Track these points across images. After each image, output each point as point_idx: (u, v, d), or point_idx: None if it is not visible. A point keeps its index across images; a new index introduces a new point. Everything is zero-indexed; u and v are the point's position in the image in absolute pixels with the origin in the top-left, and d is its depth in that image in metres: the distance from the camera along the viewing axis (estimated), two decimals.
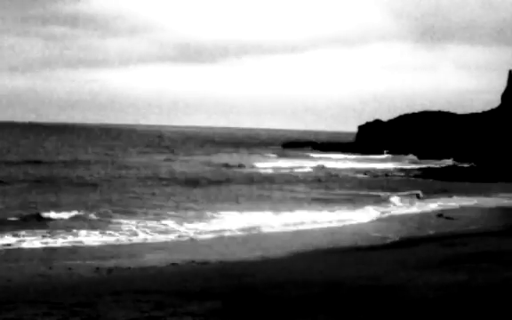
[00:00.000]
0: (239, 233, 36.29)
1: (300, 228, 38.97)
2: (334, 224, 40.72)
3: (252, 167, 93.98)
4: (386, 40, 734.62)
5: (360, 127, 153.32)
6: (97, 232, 34.40)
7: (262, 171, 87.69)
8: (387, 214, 45.87)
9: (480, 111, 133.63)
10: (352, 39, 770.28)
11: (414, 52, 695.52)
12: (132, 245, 32.23)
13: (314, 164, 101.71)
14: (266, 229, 37.86)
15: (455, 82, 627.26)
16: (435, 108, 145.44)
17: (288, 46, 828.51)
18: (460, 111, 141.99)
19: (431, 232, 36.98)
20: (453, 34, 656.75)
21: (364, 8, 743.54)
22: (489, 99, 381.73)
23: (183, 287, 20.08)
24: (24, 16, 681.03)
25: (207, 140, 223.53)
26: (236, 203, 49.39)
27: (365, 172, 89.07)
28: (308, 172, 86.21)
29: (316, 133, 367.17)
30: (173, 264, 26.50)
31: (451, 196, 56.50)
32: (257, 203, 49.81)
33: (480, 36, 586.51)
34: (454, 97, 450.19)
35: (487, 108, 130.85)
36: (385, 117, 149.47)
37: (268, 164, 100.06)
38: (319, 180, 74.04)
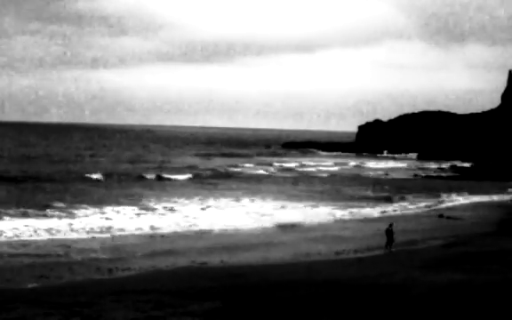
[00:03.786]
0: None
1: None
2: None
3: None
4: (396, 39, 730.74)
5: (360, 127, 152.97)
6: None
7: None
8: None
9: (480, 111, 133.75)
10: (362, 38, 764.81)
11: (424, 51, 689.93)
12: None
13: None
14: None
15: (465, 81, 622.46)
16: (444, 109, 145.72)
17: (296, 46, 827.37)
18: (463, 111, 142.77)
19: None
20: (464, 33, 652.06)
21: (375, 6, 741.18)
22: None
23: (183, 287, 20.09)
24: (35, 15, 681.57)
25: (219, 140, 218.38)
26: None
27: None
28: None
29: (316, 133, 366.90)
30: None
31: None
32: None
33: (493, 36, 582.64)
34: (464, 96, 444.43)
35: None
36: (389, 117, 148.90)
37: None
38: None
